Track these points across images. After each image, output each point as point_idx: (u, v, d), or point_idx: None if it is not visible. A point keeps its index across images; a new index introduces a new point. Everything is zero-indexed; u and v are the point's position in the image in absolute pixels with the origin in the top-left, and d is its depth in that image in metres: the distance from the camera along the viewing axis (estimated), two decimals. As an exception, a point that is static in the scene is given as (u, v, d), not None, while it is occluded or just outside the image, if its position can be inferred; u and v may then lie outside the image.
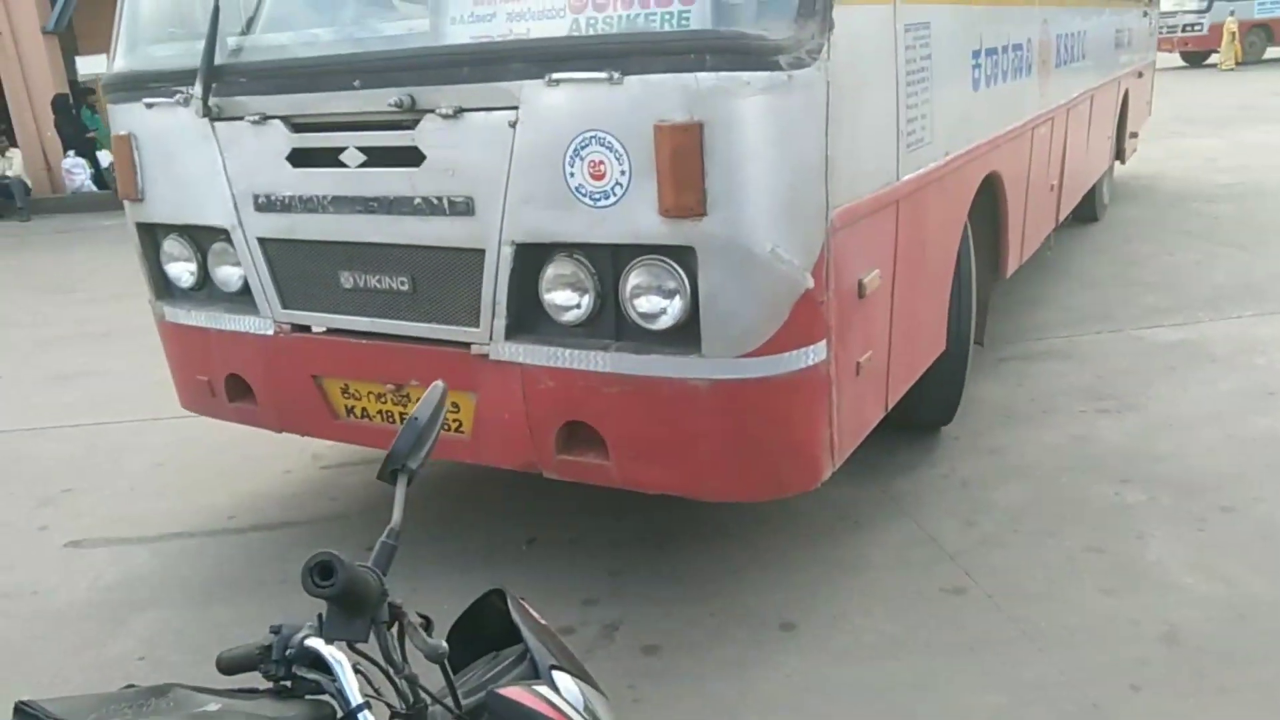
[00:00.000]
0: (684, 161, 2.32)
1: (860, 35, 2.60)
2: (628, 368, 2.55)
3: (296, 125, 2.83)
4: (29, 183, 14.17)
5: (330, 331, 3.04)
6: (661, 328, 2.51)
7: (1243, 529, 3.16)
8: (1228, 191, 8.87)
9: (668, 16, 2.39)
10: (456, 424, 2.89)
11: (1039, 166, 4.83)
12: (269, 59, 2.92)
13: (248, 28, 2.95)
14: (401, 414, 3.00)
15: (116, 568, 3.45)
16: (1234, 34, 24.32)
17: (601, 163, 2.42)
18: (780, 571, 3.10)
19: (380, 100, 2.63)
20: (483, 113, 2.54)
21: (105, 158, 14.58)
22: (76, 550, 3.61)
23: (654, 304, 2.50)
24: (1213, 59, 24.66)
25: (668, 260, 2.44)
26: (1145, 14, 8.94)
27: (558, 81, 2.42)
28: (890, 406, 3.13)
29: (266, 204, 2.94)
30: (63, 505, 3.99)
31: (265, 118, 2.85)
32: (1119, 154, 8.48)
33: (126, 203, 3.32)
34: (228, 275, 3.19)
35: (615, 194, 2.42)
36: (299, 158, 2.85)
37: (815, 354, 2.51)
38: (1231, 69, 23.99)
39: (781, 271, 2.41)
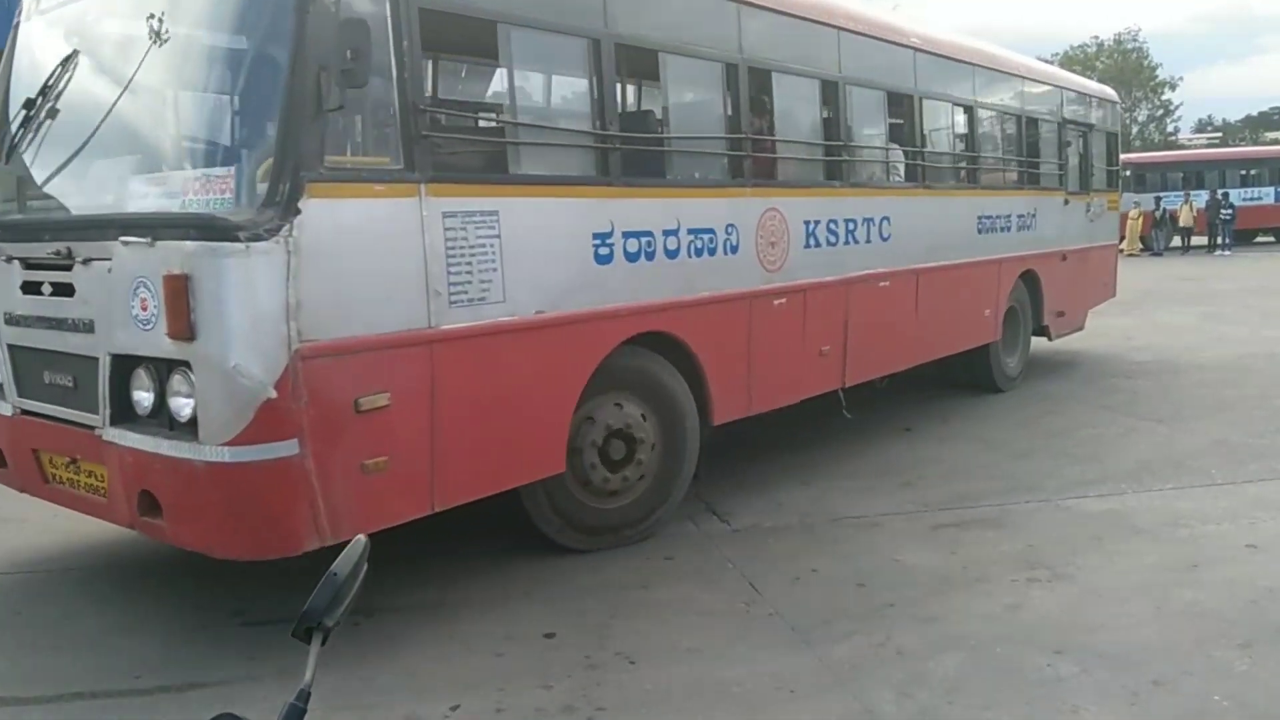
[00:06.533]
0: (177, 300, 3.20)
1: (345, 218, 3.37)
2: (165, 450, 3.36)
3: (28, 264, 3.80)
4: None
5: (42, 416, 3.89)
6: (184, 420, 3.33)
7: (1174, 703, 3.17)
8: (1143, 368, 9.33)
9: (203, 202, 3.33)
10: (102, 490, 3.68)
11: (777, 333, 5.41)
12: (10, 220, 4.06)
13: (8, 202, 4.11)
14: (76, 482, 3.79)
15: (6, 731, 3.21)
16: (1137, 222, 26.21)
17: (146, 299, 3.33)
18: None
19: (49, 249, 3.64)
20: (97, 261, 3.48)
21: None
22: (-37, 710, 3.36)
23: (179, 403, 3.34)
24: (1121, 245, 26.47)
25: (187, 370, 3.28)
26: (1067, 201, 9.14)
27: (127, 243, 3.35)
28: (439, 507, 3.72)
29: (10, 319, 3.97)
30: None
31: (10, 258, 3.88)
32: (1042, 331, 8.87)
33: None
34: None
35: (152, 322, 3.32)
36: (27, 287, 3.82)
37: (286, 449, 3.22)
38: (1134, 254, 25.74)
39: (241, 383, 3.17)
